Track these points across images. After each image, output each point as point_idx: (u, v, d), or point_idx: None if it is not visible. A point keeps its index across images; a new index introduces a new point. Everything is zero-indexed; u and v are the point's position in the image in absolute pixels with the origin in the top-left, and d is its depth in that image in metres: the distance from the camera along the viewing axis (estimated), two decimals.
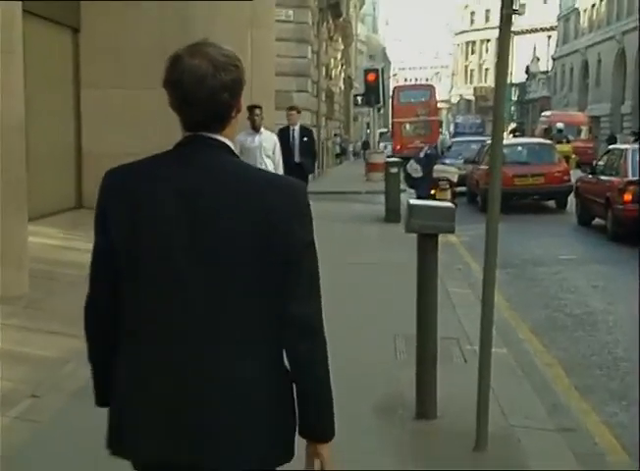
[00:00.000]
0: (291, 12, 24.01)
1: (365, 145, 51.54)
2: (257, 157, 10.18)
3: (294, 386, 2.15)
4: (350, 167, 40.62)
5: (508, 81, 66.15)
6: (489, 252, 4.71)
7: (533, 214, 18.14)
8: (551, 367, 6.81)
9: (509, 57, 4.62)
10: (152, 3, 12.39)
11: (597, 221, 15.15)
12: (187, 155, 2.12)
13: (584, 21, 63.00)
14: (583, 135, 36.55)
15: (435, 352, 5.21)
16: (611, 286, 10.07)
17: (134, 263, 2.11)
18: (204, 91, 2.06)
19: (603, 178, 14.64)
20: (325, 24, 33.40)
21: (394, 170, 15.48)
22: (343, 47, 52.78)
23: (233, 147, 2.18)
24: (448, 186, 15.47)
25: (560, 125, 31.20)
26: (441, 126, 50.16)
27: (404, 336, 6.69)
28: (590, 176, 15.42)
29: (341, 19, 43.33)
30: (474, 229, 14.45)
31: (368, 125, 56.08)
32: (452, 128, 65.96)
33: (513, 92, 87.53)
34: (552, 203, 19.54)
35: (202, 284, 2.07)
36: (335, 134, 46.11)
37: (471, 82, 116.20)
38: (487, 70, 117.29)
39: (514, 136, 42.55)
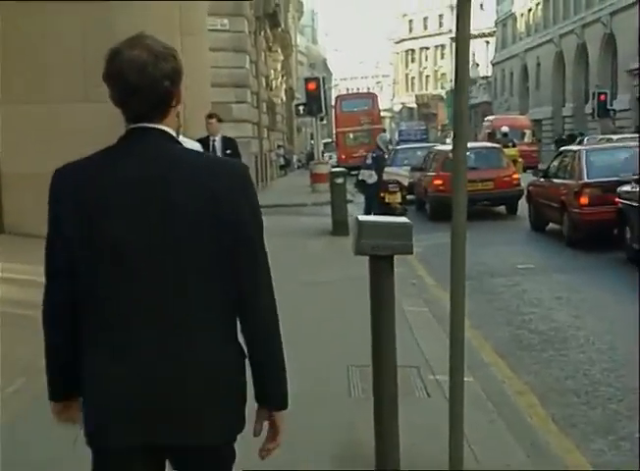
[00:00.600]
0: (226, 20, 23.18)
1: (310, 156, 50.95)
2: None
3: (251, 358, 2.28)
4: (295, 178, 39.79)
5: (448, 88, 66.49)
6: (456, 269, 4.03)
7: (483, 220, 17.50)
8: (522, 395, 6.08)
9: (468, 56, 3.88)
10: (75, 10, 11.51)
11: (551, 226, 14.54)
12: (133, 147, 2.18)
13: (521, 25, 63.28)
14: (527, 139, 36.24)
15: (395, 391, 4.42)
16: (574, 297, 9.40)
17: (93, 257, 2.17)
18: (145, 80, 2.12)
19: (556, 181, 14.02)
20: (263, 33, 32.64)
21: (339, 180, 14.76)
22: (282, 58, 52.13)
23: (174, 135, 2.24)
24: (398, 189, 14.89)
25: (504, 129, 30.83)
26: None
27: (359, 367, 5.93)
28: (542, 179, 14.82)
29: (279, 29, 42.65)
30: (426, 239, 13.78)
31: (312, 135, 55.57)
32: (396, 135, 65.83)
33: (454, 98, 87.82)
34: (502, 208, 19.00)
35: (162, 270, 2.15)
36: (278, 146, 45.31)
37: (413, 90, 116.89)
38: (427, 77, 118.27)
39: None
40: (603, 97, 36.60)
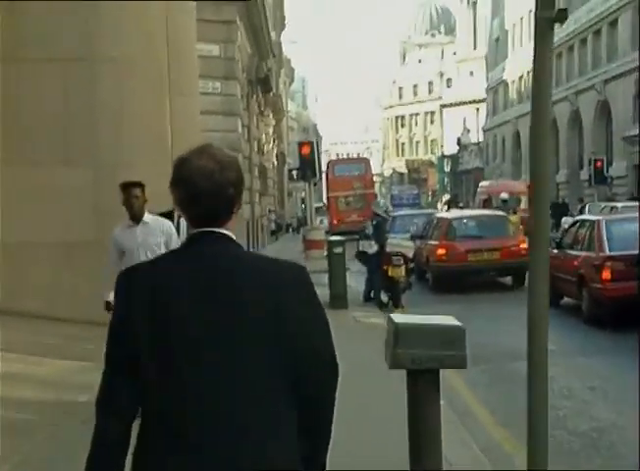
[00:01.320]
0: (218, 84, 22.37)
1: (302, 221, 50.05)
2: (136, 259, 6.12)
3: (306, 427, 2.28)
4: (287, 244, 38.70)
5: (440, 154, 66.02)
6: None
7: (489, 293, 16.50)
8: None
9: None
10: (56, 71, 10.65)
11: (566, 300, 13.49)
12: (199, 250, 2.29)
13: (513, 92, 63.10)
14: (523, 205, 35.40)
15: None
16: (609, 386, 8.33)
17: (164, 355, 2.19)
18: (213, 187, 2.26)
19: (572, 252, 13.02)
20: (255, 97, 31.96)
21: (338, 250, 13.71)
22: (274, 122, 51.67)
23: (235, 239, 2.34)
24: (402, 263, 13.78)
25: (504, 195, 29.98)
26: (376, 198, 49.02)
27: None
28: (555, 250, 13.82)
29: (271, 93, 42.11)
30: (430, 313, 12.84)
31: (303, 200, 54.87)
32: (388, 200, 65.20)
33: (446, 164, 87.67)
34: (508, 279, 17.98)
35: (224, 368, 2.18)
36: (269, 211, 44.43)
37: (403, 155, 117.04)
38: (417, 143, 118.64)
39: (456, 207, 41.23)
40: (599, 164, 35.88)
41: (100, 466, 2.25)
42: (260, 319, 2.19)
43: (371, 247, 14.38)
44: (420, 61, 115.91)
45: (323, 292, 14.55)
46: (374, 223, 14.96)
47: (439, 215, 21.32)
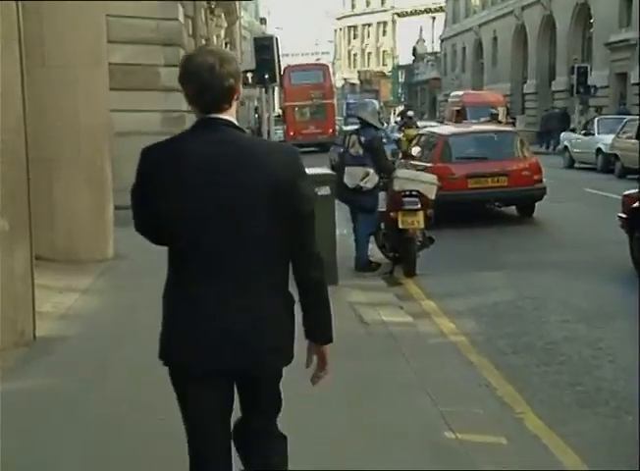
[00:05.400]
0: None
1: (254, 133, 44.46)
2: None
3: (305, 304, 2.75)
4: None
5: (395, 64, 60.23)
6: None
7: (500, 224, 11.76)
8: None
9: None
10: None
11: None
12: (207, 132, 2.63)
13: None
14: (500, 118, 30.36)
15: None
16: None
17: (178, 215, 2.61)
18: (215, 79, 2.58)
19: None
20: None
21: (324, 191, 7.73)
22: (226, 25, 45.46)
23: (237, 123, 2.69)
24: (418, 206, 8.66)
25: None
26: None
27: None
28: None
29: None
30: (450, 283, 7.97)
31: (257, 109, 49.12)
32: (343, 109, 59.88)
33: (400, 74, 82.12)
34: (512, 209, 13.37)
35: (233, 232, 2.60)
36: None
37: (355, 67, 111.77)
38: (369, 54, 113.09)
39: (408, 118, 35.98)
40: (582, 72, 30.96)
41: None
42: (259, 188, 2.59)
43: (368, 179, 8.84)
44: None
45: None
46: (368, 139, 9.11)
47: (431, 129, 16.12)
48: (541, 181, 13.00)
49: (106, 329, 6.34)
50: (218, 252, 2.57)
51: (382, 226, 9.27)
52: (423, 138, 14.82)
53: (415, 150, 11.84)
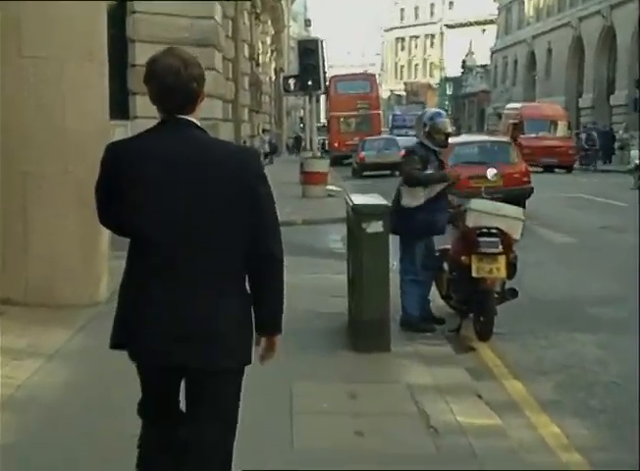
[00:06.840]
0: None
1: (298, 140, 42.51)
2: None
3: (259, 294, 2.66)
4: (283, 170, 29.95)
5: (442, 76, 57.67)
6: None
7: None
8: None
9: None
10: None
11: None
12: (170, 131, 2.62)
13: (529, 9, 54.68)
14: (560, 132, 27.87)
15: None
16: None
17: (139, 212, 2.59)
18: (179, 81, 2.58)
19: None
20: None
21: (375, 228, 5.51)
22: (273, 32, 43.58)
23: (199, 125, 2.65)
24: (500, 249, 6.34)
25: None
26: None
27: None
28: None
29: None
30: (537, 349, 5.77)
31: (302, 119, 47.19)
32: (389, 120, 57.65)
33: (448, 87, 79.72)
34: None
35: (194, 224, 2.56)
36: (264, 130, 36.82)
37: (401, 78, 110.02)
38: (416, 66, 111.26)
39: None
40: None
41: None
42: (220, 187, 2.58)
43: (414, 198, 6.45)
44: None
45: (334, 281, 7.47)
46: (421, 154, 6.60)
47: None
48: (529, 182, 15.36)
49: (69, 430, 4.20)
50: (176, 250, 2.57)
51: (445, 267, 7.08)
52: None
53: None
